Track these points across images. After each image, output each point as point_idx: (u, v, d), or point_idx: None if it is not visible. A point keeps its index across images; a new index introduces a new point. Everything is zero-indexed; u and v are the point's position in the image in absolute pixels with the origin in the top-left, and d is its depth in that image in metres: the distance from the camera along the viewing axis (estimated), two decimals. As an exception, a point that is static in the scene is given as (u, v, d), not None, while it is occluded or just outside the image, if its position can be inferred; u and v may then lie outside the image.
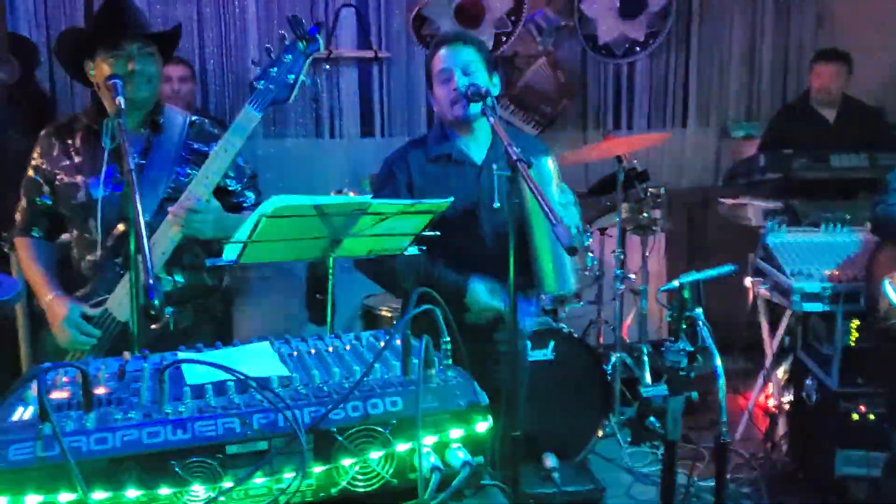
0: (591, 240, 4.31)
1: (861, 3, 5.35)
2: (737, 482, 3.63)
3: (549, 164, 2.43)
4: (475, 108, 2.59)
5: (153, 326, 2.33)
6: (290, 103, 2.43)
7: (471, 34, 2.80)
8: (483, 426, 1.42)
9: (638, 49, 5.56)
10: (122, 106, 2.21)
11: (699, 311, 2.04)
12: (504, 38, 5.34)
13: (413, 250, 2.49)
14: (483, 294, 2.63)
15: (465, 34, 2.77)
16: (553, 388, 3.71)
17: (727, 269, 2.27)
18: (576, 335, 3.90)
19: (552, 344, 3.72)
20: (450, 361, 1.53)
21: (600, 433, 3.91)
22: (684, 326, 2.03)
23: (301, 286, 4.64)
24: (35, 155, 2.52)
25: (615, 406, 4.21)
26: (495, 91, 2.79)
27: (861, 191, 4.20)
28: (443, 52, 2.70)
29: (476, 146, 2.78)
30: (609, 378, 4.09)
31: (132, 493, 1.24)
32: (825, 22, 5.63)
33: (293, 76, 2.34)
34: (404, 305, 3.12)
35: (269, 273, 4.91)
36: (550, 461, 3.56)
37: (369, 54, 5.20)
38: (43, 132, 2.53)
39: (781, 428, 3.79)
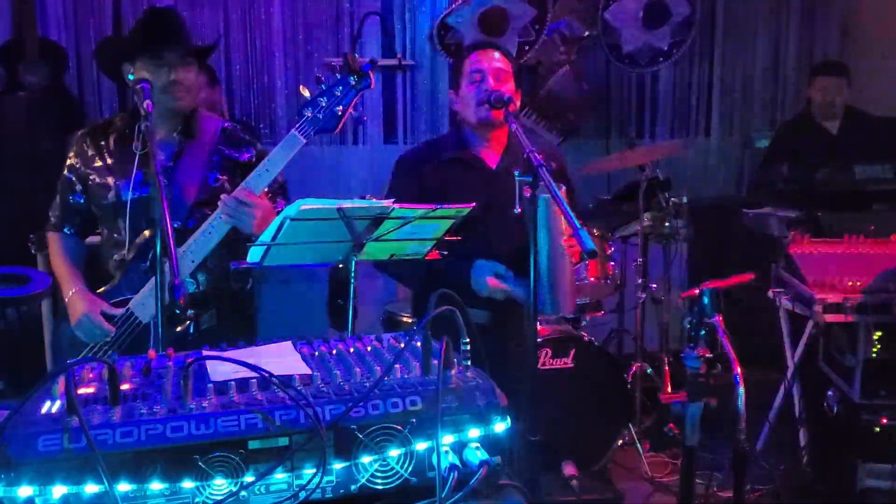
0: (612, 248, 4.31)
1: (887, 14, 5.32)
2: (757, 493, 3.61)
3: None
4: (501, 111, 2.61)
5: (178, 329, 2.37)
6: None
7: (504, 47, 2.88)
8: (501, 426, 1.44)
9: (661, 58, 5.56)
10: (151, 109, 2.26)
11: (718, 317, 2.04)
12: (527, 47, 5.36)
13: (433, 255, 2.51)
14: (484, 278, 2.67)
15: (499, 44, 2.83)
16: (573, 397, 3.71)
17: (747, 277, 2.27)
18: (596, 343, 3.89)
19: (573, 352, 3.72)
20: (469, 362, 1.54)
21: (620, 442, 3.90)
22: (703, 333, 2.04)
23: (323, 292, 4.67)
24: (70, 155, 2.59)
25: (635, 415, 4.21)
26: (517, 104, 2.83)
27: (881, 201, 4.17)
28: (478, 54, 2.76)
29: (491, 152, 2.83)
30: (629, 387, 4.09)
31: (156, 485, 1.27)
32: (850, 32, 5.60)
33: (341, 108, 2.37)
34: (415, 299, 3.14)
35: (291, 279, 4.95)
36: (570, 469, 3.56)
37: (393, 62, 5.24)
38: (79, 133, 2.61)
39: (803, 439, 3.76)
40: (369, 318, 4.72)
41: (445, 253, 2.51)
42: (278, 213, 2.40)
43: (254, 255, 2.22)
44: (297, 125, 2.35)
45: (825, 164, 4.19)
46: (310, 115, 2.35)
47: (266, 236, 2.15)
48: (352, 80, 2.36)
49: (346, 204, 2.17)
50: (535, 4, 5.34)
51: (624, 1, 5.43)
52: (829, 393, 3.49)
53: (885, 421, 3.23)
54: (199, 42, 4.28)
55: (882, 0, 5.41)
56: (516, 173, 2.44)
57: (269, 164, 2.37)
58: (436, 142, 2.98)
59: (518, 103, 2.82)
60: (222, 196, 2.36)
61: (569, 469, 3.55)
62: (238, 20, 5.07)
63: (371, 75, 2.37)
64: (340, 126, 2.38)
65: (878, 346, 3.25)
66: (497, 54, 2.76)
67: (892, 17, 5.27)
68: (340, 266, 2.41)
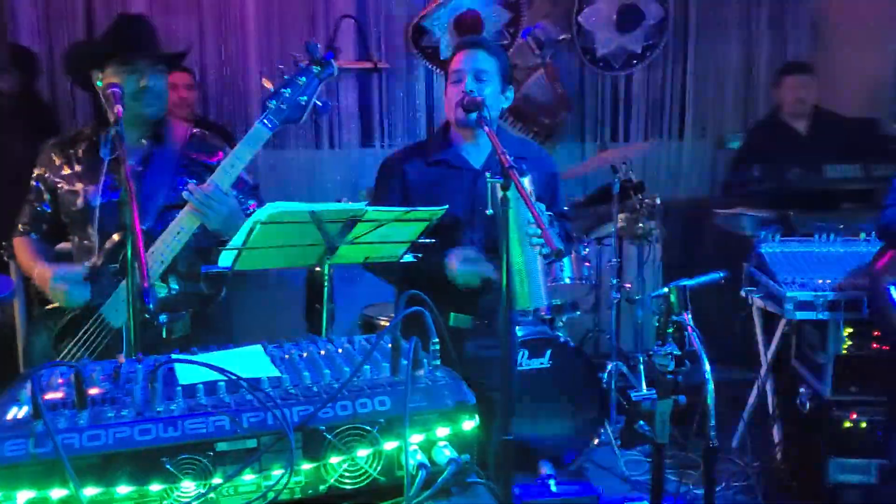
0: (587, 249, 4.35)
1: (854, 16, 5.39)
2: (732, 490, 3.65)
3: (526, 182, 2.44)
4: (474, 115, 2.58)
5: (150, 334, 2.36)
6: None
7: (495, 44, 2.83)
8: (470, 424, 1.45)
9: (635, 62, 5.60)
10: (120, 114, 2.26)
11: (687, 315, 2.07)
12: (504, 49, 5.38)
13: (409, 257, 2.52)
14: (461, 264, 2.64)
15: (487, 42, 2.80)
16: (549, 396, 3.73)
17: (716, 275, 2.29)
18: (572, 344, 3.92)
19: (549, 352, 3.75)
20: (438, 362, 1.55)
21: (596, 441, 3.93)
22: (671, 331, 2.06)
23: (300, 297, 4.67)
24: (38, 164, 2.58)
25: (611, 414, 4.24)
26: (506, 103, 2.83)
27: (851, 201, 4.24)
28: (461, 54, 2.74)
29: (477, 152, 2.81)
30: (605, 386, 4.12)
31: (123, 489, 1.27)
32: (820, 33, 5.67)
33: (305, 98, 2.37)
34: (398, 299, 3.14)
35: (268, 284, 4.94)
36: (546, 469, 3.58)
37: (369, 65, 5.24)
38: (48, 144, 2.60)
39: (777, 436, 3.81)
40: (347, 322, 4.72)
41: (421, 256, 2.52)
42: (249, 215, 2.40)
43: (225, 258, 2.21)
44: (262, 117, 2.35)
45: (796, 165, 4.25)
46: (274, 106, 2.35)
47: (237, 240, 2.15)
48: (315, 70, 2.37)
49: (319, 207, 2.18)
50: (509, 8, 5.37)
51: (597, 4, 5.46)
52: (802, 390, 3.54)
53: (854, 416, 3.29)
54: (174, 48, 4.27)
55: (852, 1, 5.48)
56: (487, 175, 2.45)
57: (234, 159, 2.37)
58: (423, 143, 2.96)
59: (507, 102, 2.83)
60: (189, 186, 2.36)
61: (545, 468, 3.57)
62: (213, 24, 5.05)
63: (334, 64, 2.38)
64: (304, 117, 2.38)
65: (849, 343, 3.30)
66: (481, 53, 2.72)
67: (862, 18, 5.34)
68: (317, 270, 2.41)
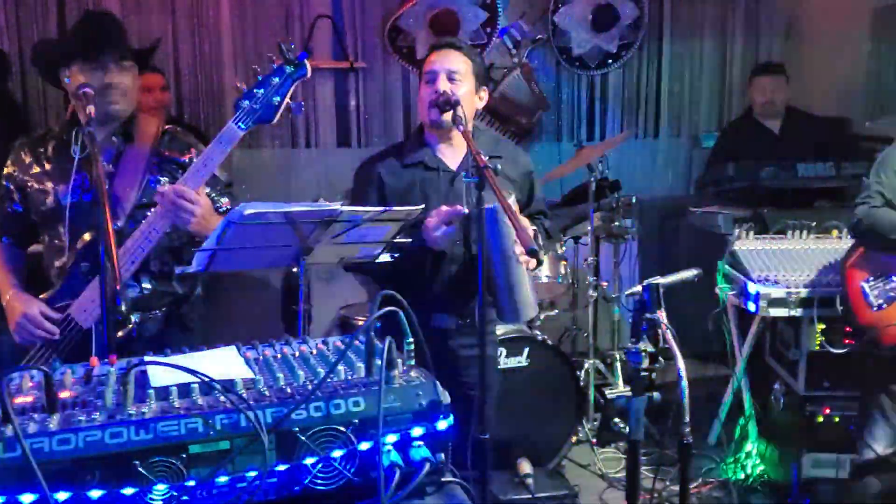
0: (564, 248, 4.37)
1: (828, 16, 5.45)
2: (708, 486, 3.69)
3: (511, 201, 2.42)
4: (447, 114, 2.59)
5: (119, 334, 2.34)
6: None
7: (467, 45, 2.83)
8: (444, 424, 1.45)
9: (610, 61, 5.62)
10: (93, 114, 2.24)
11: (661, 313, 2.08)
12: (479, 50, 5.38)
13: (385, 257, 2.51)
14: (439, 231, 2.58)
15: (460, 43, 2.80)
16: (527, 395, 3.74)
17: (690, 273, 2.31)
18: (550, 342, 3.94)
19: (526, 350, 3.76)
20: (413, 362, 1.56)
21: (574, 439, 3.95)
22: (645, 328, 2.07)
23: (276, 297, 4.65)
24: (7, 163, 2.56)
25: (589, 412, 4.26)
26: (480, 104, 2.82)
27: (823, 199, 4.29)
28: (434, 55, 2.74)
29: (452, 153, 2.81)
30: (582, 384, 4.14)
31: (95, 492, 1.26)
32: (793, 33, 5.72)
33: (279, 98, 2.36)
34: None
35: (244, 284, 4.92)
36: (524, 467, 3.60)
37: (345, 65, 5.23)
38: (17, 143, 2.57)
39: (751, 432, 3.84)
40: (325, 322, 4.71)
41: (397, 255, 2.51)
42: (222, 213, 2.38)
43: (199, 260, 2.20)
44: (235, 117, 2.34)
45: (769, 163, 4.29)
46: (247, 106, 2.34)
47: (210, 241, 2.14)
48: (288, 70, 2.36)
49: (293, 207, 2.17)
50: (485, 8, 5.37)
51: (573, 4, 5.48)
52: (776, 386, 3.58)
53: (827, 412, 3.33)
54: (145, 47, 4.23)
55: (825, 1, 5.54)
56: (463, 175, 2.45)
57: (206, 159, 2.35)
58: (398, 146, 2.95)
59: (481, 103, 2.82)
60: (159, 187, 2.34)
61: (524, 467, 3.59)
62: (186, 25, 5.02)
63: (307, 64, 2.37)
64: (276, 117, 2.37)
65: (821, 340, 3.34)
66: (454, 54, 2.72)
67: (834, 18, 5.39)
68: (294, 270, 2.40)
